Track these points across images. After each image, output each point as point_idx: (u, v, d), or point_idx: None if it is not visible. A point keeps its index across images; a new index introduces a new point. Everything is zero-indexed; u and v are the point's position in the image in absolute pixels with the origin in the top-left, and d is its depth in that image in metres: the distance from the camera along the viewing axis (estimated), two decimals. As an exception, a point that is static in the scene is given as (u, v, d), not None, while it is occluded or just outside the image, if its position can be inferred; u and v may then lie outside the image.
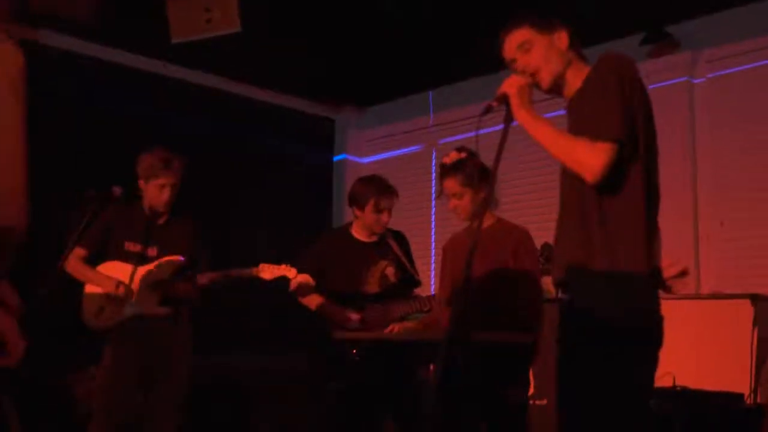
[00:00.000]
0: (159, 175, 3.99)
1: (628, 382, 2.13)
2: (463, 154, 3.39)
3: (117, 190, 3.67)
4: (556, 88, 2.39)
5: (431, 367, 3.62)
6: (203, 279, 3.99)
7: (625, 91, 2.14)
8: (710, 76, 5.20)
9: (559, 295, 2.37)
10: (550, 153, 2.20)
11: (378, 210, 3.96)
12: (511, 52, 2.39)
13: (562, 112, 2.41)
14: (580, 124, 2.19)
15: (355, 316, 3.88)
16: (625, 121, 2.12)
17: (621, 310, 2.12)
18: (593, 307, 2.15)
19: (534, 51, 2.35)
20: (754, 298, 4.19)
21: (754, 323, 4.11)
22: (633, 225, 2.15)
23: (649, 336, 2.15)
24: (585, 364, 2.15)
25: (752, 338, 4.08)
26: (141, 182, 4.05)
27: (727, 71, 5.14)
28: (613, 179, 2.13)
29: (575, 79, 2.34)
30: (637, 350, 2.13)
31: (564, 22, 2.39)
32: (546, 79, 2.35)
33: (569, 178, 2.22)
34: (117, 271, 3.97)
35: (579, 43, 2.40)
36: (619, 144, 2.11)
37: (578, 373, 2.17)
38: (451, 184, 3.40)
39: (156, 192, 4.02)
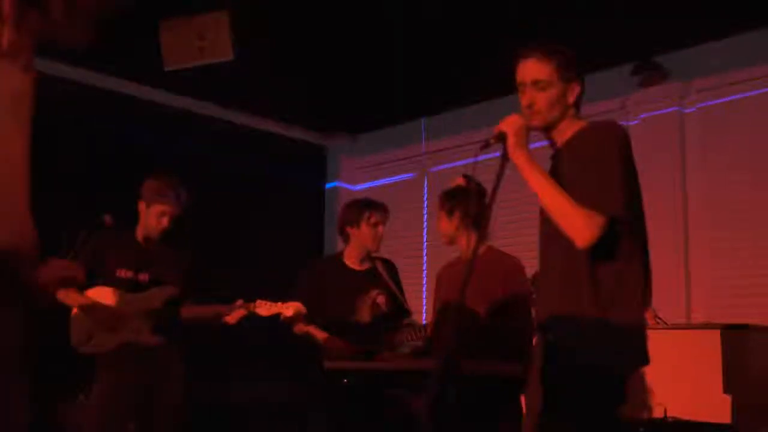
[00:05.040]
0: (163, 203, 3.97)
1: (612, 420, 2.17)
2: (463, 183, 3.47)
3: (108, 219, 3.66)
4: (542, 127, 2.43)
5: (421, 395, 3.60)
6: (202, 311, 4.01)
7: (626, 166, 2.21)
8: (700, 106, 5.23)
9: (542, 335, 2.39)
10: (542, 203, 2.25)
11: (374, 224, 3.97)
12: (526, 78, 2.39)
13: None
14: (572, 184, 2.22)
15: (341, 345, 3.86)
16: (626, 198, 2.17)
17: (609, 352, 2.15)
18: (579, 347, 2.19)
19: (546, 93, 2.36)
20: (749, 329, 4.17)
21: (747, 354, 4.08)
22: (630, 286, 2.21)
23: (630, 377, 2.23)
24: (570, 403, 2.18)
25: (745, 369, 4.05)
26: (142, 204, 4.01)
27: (718, 101, 5.17)
28: (605, 245, 2.17)
29: (567, 129, 2.38)
30: (621, 390, 2.20)
31: (581, 73, 2.42)
32: (540, 123, 2.38)
33: (553, 232, 2.24)
34: (107, 297, 3.91)
35: (581, 97, 2.43)
36: (613, 220, 2.15)
37: (563, 411, 2.20)
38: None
39: (154, 218, 3.99)
